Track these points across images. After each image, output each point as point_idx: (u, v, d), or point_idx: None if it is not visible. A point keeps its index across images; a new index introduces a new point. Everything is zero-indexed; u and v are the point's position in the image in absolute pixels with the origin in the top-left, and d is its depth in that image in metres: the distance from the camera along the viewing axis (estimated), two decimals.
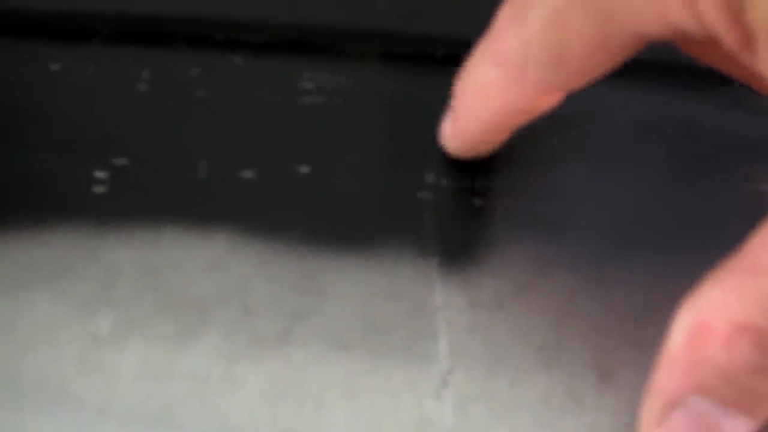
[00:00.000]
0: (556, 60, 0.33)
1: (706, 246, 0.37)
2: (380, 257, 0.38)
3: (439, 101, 0.39)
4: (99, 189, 0.40)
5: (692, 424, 0.30)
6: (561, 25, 0.33)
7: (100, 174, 0.40)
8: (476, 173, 0.40)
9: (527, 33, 0.34)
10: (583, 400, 0.35)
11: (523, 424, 0.35)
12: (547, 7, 0.33)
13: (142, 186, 0.40)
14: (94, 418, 0.36)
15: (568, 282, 0.38)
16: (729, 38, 0.30)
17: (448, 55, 0.42)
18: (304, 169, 0.40)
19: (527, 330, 0.37)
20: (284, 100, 0.41)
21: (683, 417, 0.30)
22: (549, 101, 0.36)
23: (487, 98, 0.36)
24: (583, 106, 0.39)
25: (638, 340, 0.34)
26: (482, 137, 0.38)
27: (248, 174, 0.40)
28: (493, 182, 0.39)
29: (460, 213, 0.39)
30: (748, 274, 0.30)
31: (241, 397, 0.36)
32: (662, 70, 0.40)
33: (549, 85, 0.35)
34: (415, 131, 0.40)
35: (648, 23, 0.31)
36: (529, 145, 0.40)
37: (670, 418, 0.31)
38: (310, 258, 0.39)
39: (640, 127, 0.39)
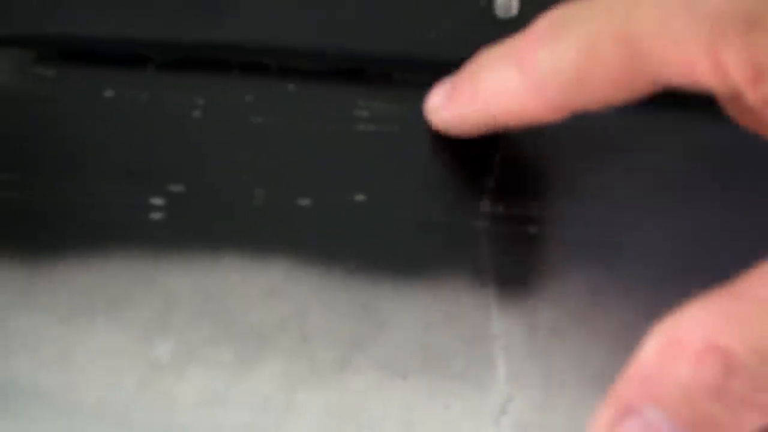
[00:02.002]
0: (578, 84, 0.34)
1: None
2: (437, 285, 0.39)
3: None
4: (156, 216, 0.40)
5: None
6: (591, 54, 0.34)
7: (156, 201, 0.41)
8: (531, 201, 0.40)
9: (559, 51, 0.35)
10: None
11: None
12: (583, 32, 0.34)
13: (199, 213, 0.40)
14: None
15: (623, 310, 0.38)
16: (751, 98, 0.31)
17: None
18: (360, 197, 0.40)
19: (585, 358, 0.37)
20: (339, 127, 0.42)
21: (635, 426, 0.31)
22: (556, 117, 0.36)
23: (501, 97, 0.37)
24: (636, 134, 0.39)
25: None
26: (478, 126, 0.39)
27: (304, 202, 0.40)
28: (548, 210, 0.39)
29: (515, 241, 0.39)
30: (732, 299, 0.31)
31: (300, 425, 0.36)
32: (711, 99, 0.40)
33: (564, 104, 0.36)
34: (469, 159, 0.41)
35: (673, 72, 0.32)
36: (583, 172, 0.40)
37: (622, 424, 0.31)
38: (367, 286, 0.39)
39: (692, 153, 0.40)
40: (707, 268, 0.39)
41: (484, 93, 0.38)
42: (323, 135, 0.42)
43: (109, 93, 0.43)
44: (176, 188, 0.41)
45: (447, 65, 0.42)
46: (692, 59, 0.31)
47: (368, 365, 0.37)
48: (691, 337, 0.30)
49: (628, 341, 0.38)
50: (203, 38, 0.43)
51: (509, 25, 0.42)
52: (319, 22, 0.43)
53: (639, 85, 0.34)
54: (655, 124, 0.41)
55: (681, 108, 0.41)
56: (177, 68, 0.44)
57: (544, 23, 0.36)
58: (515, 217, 0.40)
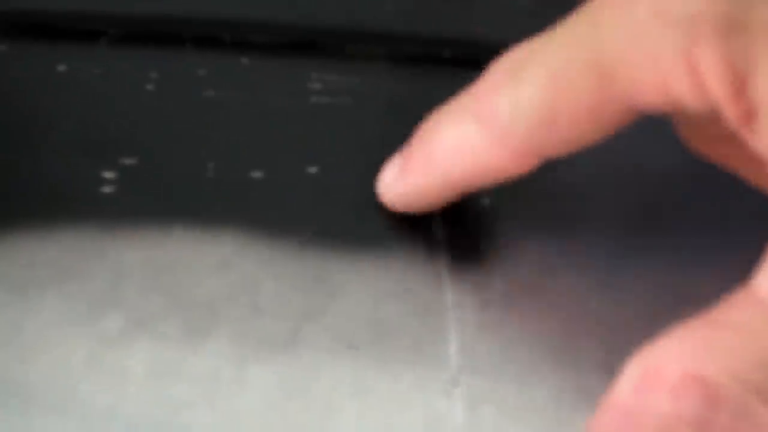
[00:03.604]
0: (545, 126, 0.32)
1: (717, 247, 0.37)
2: (389, 258, 0.38)
3: (447, 102, 0.39)
4: (107, 189, 0.40)
5: None
6: (558, 87, 0.31)
7: (108, 174, 0.40)
8: None
9: (520, 94, 0.32)
10: (594, 399, 0.35)
11: (534, 424, 0.35)
12: (546, 67, 0.32)
13: (151, 186, 0.40)
14: (102, 419, 0.36)
15: (578, 282, 0.38)
16: (730, 112, 0.29)
17: (455, 57, 0.42)
18: (313, 170, 0.40)
19: (537, 330, 0.37)
20: (292, 100, 0.41)
21: None
22: (527, 166, 0.34)
23: (461, 157, 0.35)
24: None
25: (648, 339, 0.33)
26: (439, 196, 0.37)
27: (257, 174, 0.40)
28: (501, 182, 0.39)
29: (469, 213, 0.39)
30: (709, 328, 0.29)
31: (250, 397, 0.36)
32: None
33: (533, 150, 0.33)
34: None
35: (648, 92, 0.30)
36: None
37: None
38: (319, 258, 0.38)
39: (650, 126, 0.39)
40: (662, 240, 0.39)
41: (440, 157, 0.35)
42: (276, 108, 0.42)
43: (62, 67, 0.43)
44: (128, 161, 0.41)
45: (401, 38, 0.42)
46: (667, 75, 0.29)
47: (319, 337, 0.37)
48: (669, 369, 0.29)
49: (580, 314, 0.38)
50: (156, 11, 0.43)
51: None
52: None
53: (613, 116, 0.32)
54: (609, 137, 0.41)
55: None
56: (130, 42, 0.43)
57: (501, 66, 0.33)
58: None
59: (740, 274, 0.32)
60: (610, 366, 0.36)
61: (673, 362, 0.29)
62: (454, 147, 0.35)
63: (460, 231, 0.39)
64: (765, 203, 0.39)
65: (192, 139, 0.41)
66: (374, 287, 0.38)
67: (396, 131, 0.40)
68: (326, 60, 0.42)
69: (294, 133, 0.41)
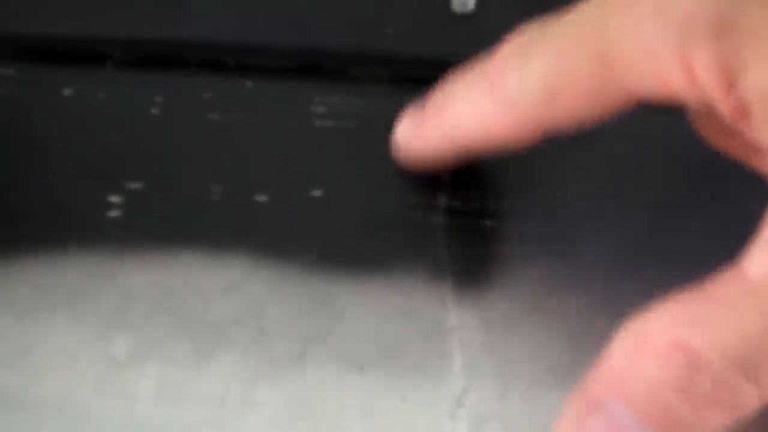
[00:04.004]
0: (549, 101, 0.34)
1: (718, 265, 0.37)
2: (394, 279, 0.39)
3: None
4: (114, 213, 0.40)
5: (607, 430, 0.31)
6: (562, 68, 0.33)
7: (114, 198, 0.41)
8: (488, 195, 0.40)
9: (528, 69, 0.34)
10: None
11: None
12: (552, 50, 0.33)
13: (157, 210, 0.40)
14: None
15: (580, 301, 0.38)
16: (723, 107, 0.30)
17: None
18: (317, 193, 0.41)
19: (540, 349, 0.38)
20: (296, 123, 0.42)
21: (600, 421, 0.31)
22: (527, 137, 0.36)
23: (470, 119, 0.37)
24: (593, 128, 0.39)
25: None
26: (447, 153, 0.39)
27: (262, 197, 0.41)
28: (505, 203, 0.40)
29: (472, 235, 0.40)
30: (700, 300, 0.31)
31: (257, 419, 0.37)
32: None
33: (535, 122, 0.35)
34: None
35: (646, 83, 0.32)
36: (539, 166, 0.40)
37: (588, 419, 0.31)
38: (324, 280, 0.39)
39: (650, 146, 0.40)
40: (661, 262, 0.39)
41: (452, 117, 0.37)
42: (281, 131, 0.42)
43: (67, 91, 0.43)
44: (134, 185, 0.41)
45: (403, 60, 0.42)
46: (664, 69, 0.30)
47: (326, 359, 0.37)
48: (658, 335, 0.31)
49: (583, 333, 0.38)
50: (162, 36, 0.44)
51: (466, 20, 0.43)
52: (276, 18, 0.43)
53: (611, 100, 0.33)
54: (611, 118, 0.41)
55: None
56: (135, 66, 0.44)
57: (512, 44, 0.35)
58: (472, 210, 0.40)
59: None
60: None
61: (661, 329, 0.31)
62: (464, 109, 0.37)
63: (464, 252, 0.39)
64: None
65: (197, 162, 0.41)
66: (379, 309, 0.38)
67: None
68: (330, 83, 0.43)
69: (298, 156, 0.41)
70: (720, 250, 0.38)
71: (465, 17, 0.42)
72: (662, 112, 0.41)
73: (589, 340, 0.37)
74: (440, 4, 0.43)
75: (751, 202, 0.38)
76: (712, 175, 0.41)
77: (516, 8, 0.40)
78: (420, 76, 0.43)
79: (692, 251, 0.40)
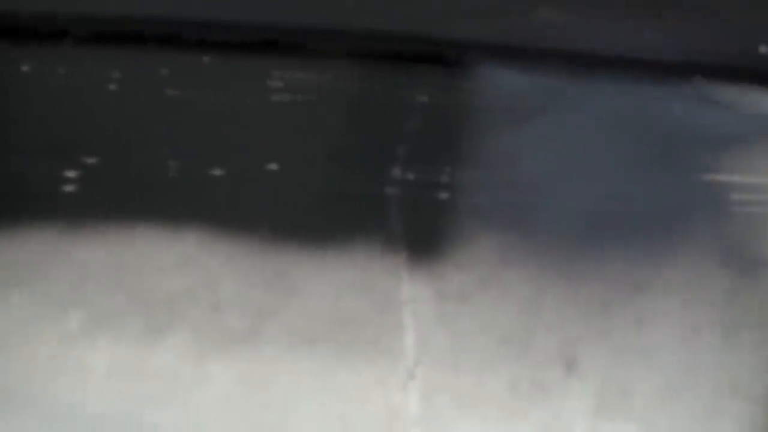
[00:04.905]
0: None
1: (671, 238, 0.37)
2: (348, 253, 0.39)
3: (406, 99, 0.39)
4: (69, 188, 0.40)
5: None
6: None
7: (70, 173, 0.40)
8: (442, 168, 0.40)
9: None
10: (548, 389, 0.35)
11: (489, 414, 0.36)
12: None
13: (113, 185, 0.40)
14: (66, 416, 0.36)
15: (534, 274, 0.38)
16: None
17: (414, 54, 0.42)
18: (273, 167, 0.40)
19: (493, 322, 0.38)
20: (253, 98, 0.42)
21: None
22: None
23: None
24: (549, 100, 0.39)
25: (603, 330, 0.34)
26: None
27: (218, 172, 0.40)
28: (459, 177, 0.40)
29: (426, 207, 0.39)
30: None
31: (210, 393, 0.37)
32: (627, 65, 0.41)
33: None
34: (382, 128, 0.41)
35: None
36: (494, 139, 0.40)
37: None
38: (279, 254, 0.39)
39: (605, 120, 0.40)
40: (618, 232, 0.39)
41: None
42: (238, 106, 0.42)
43: (25, 67, 0.43)
44: (91, 160, 0.41)
45: (360, 35, 0.42)
46: None
47: (279, 333, 0.37)
48: None
49: (536, 305, 0.38)
50: (119, 12, 0.43)
51: None
52: None
53: None
54: (568, 90, 0.41)
55: (594, 75, 0.41)
56: (93, 42, 0.44)
57: None
58: (426, 183, 0.40)
59: (697, 265, 0.32)
60: (564, 355, 0.37)
61: None
62: None
63: (419, 225, 0.39)
64: (719, 190, 0.39)
65: (154, 137, 0.41)
66: (333, 282, 0.38)
67: (355, 127, 0.40)
68: (287, 58, 0.43)
69: (254, 131, 0.41)
70: (675, 220, 0.38)
71: None
72: (621, 87, 0.41)
73: (541, 312, 0.37)
74: None
75: (702, 175, 0.38)
76: (668, 149, 0.41)
77: None
78: (377, 50, 0.43)
79: (646, 222, 0.40)
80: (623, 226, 0.39)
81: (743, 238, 0.35)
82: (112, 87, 0.42)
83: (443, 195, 0.40)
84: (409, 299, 0.38)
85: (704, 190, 0.39)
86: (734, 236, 0.35)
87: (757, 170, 0.39)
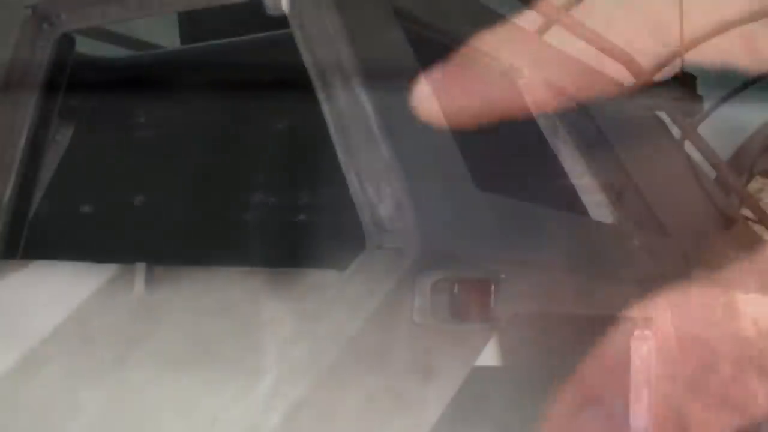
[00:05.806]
0: None
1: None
2: (210, 276, 0.40)
3: (275, 127, 0.41)
4: None
5: None
6: None
7: None
8: (300, 191, 0.41)
9: None
10: (403, 401, 0.37)
11: (348, 428, 0.37)
12: None
13: None
14: None
15: (387, 286, 0.39)
16: None
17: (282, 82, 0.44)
18: (139, 200, 0.42)
19: (348, 336, 0.39)
20: (119, 133, 0.43)
21: None
22: None
23: None
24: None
25: (459, 337, 0.35)
26: None
27: (85, 208, 0.42)
28: (318, 198, 0.41)
29: (286, 229, 0.41)
30: None
31: (82, 422, 0.38)
32: None
33: None
34: (242, 155, 0.42)
35: None
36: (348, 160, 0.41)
37: None
38: (145, 282, 0.40)
39: None
40: None
41: None
42: (103, 142, 0.43)
43: None
44: None
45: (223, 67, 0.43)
46: None
47: (145, 360, 0.38)
48: None
49: (388, 317, 0.39)
50: None
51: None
52: None
53: None
54: None
55: None
56: None
57: None
58: (285, 206, 0.41)
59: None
60: (420, 368, 0.38)
61: None
62: None
63: (278, 246, 0.41)
64: None
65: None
66: (195, 307, 0.39)
67: (213, 156, 0.42)
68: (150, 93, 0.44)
69: (121, 166, 0.43)
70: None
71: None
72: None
73: (393, 322, 0.38)
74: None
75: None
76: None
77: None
78: (241, 83, 0.44)
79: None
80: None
81: None
82: None
83: (302, 216, 0.41)
84: (269, 320, 0.39)
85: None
86: None
87: None
